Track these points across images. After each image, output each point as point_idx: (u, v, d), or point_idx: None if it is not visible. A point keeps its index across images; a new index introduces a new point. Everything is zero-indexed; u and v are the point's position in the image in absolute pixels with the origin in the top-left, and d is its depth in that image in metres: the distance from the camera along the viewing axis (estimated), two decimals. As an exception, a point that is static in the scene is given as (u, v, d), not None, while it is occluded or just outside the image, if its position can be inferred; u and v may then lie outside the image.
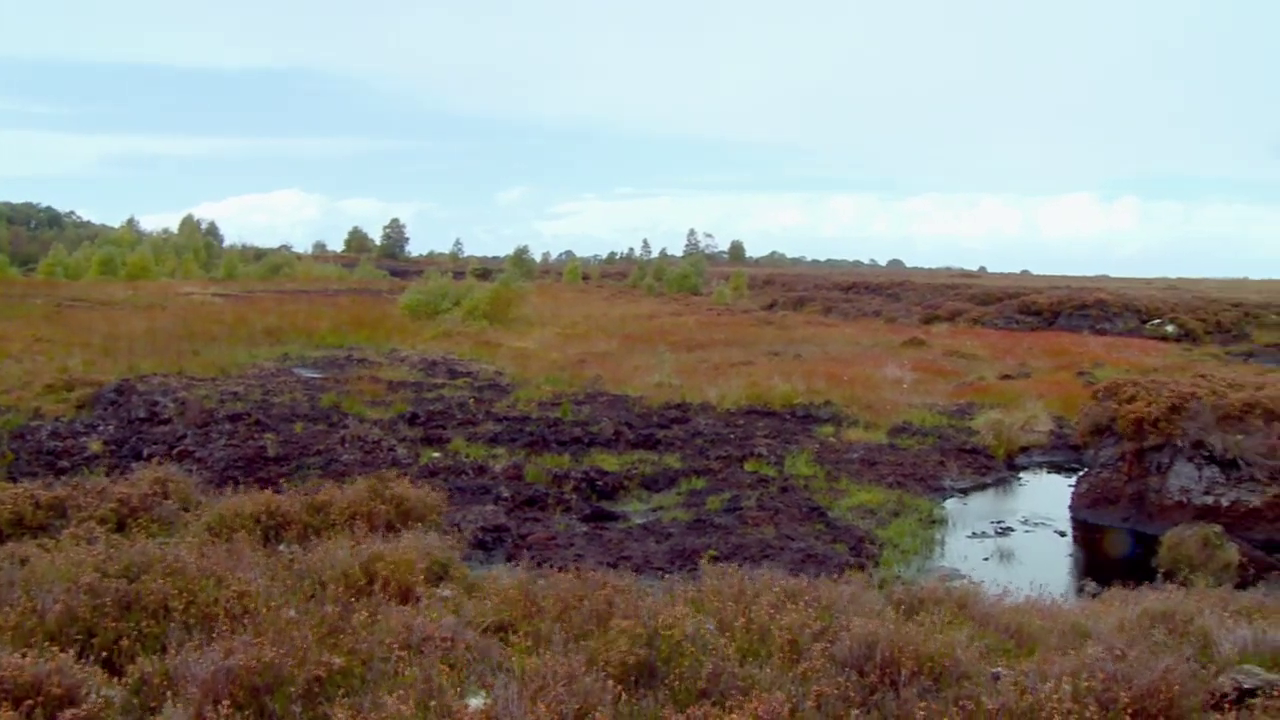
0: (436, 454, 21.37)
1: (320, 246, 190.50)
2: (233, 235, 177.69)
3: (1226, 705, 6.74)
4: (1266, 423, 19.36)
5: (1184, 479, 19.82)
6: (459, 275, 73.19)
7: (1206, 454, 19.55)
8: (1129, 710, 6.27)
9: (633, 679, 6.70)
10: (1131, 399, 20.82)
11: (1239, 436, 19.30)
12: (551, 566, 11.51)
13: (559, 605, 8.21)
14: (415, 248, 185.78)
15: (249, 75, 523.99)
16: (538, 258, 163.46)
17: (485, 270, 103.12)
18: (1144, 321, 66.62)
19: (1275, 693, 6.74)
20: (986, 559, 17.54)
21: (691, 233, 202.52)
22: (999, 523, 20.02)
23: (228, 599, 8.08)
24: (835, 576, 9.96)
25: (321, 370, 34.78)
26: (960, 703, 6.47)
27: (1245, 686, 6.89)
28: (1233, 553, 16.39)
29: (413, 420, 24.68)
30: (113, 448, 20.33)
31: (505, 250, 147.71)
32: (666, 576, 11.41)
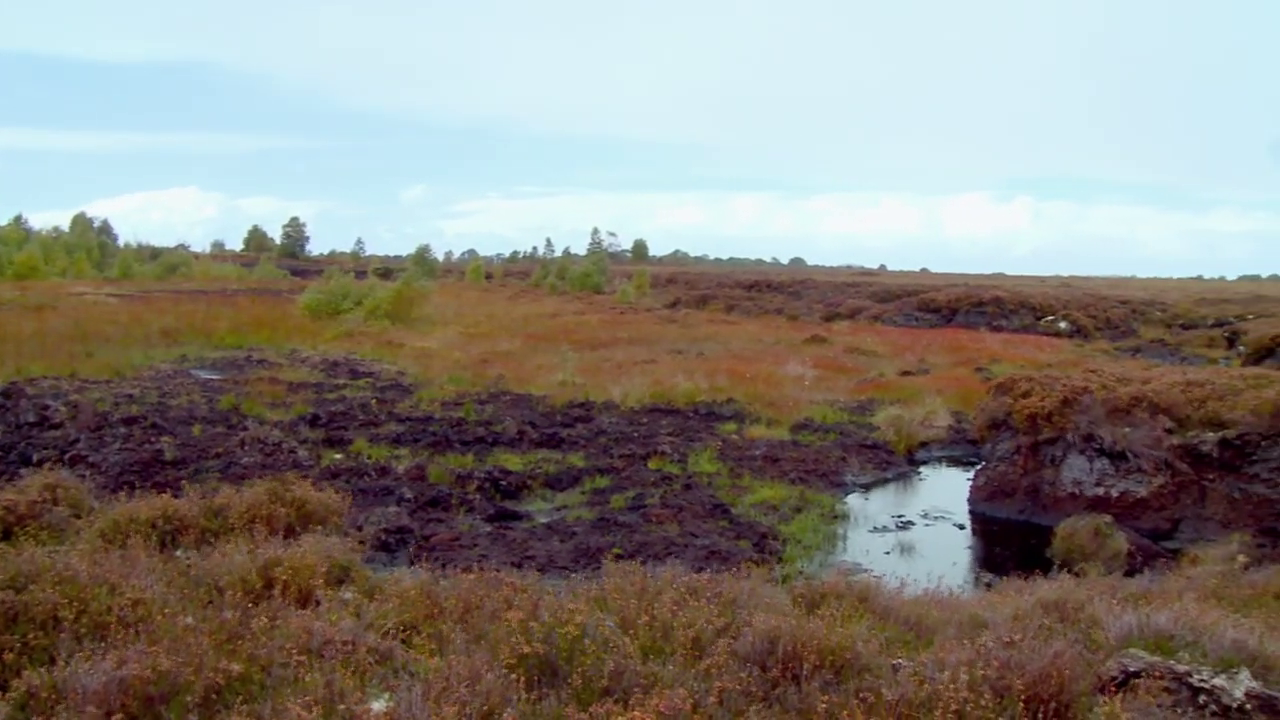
0: (338, 456, 21.13)
1: (219, 246, 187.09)
2: (127, 234, 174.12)
3: (1113, 688, 6.94)
4: (1152, 416, 19.93)
5: (1076, 471, 20.33)
6: (361, 274, 72.34)
7: (1097, 447, 20.07)
8: (1022, 696, 6.42)
9: (535, 678, 6.70)
10: (1026, 394, 21.30)
11: (1127, 429, 19.84)
12: (455, 567, 11.44)
13: (461, 606, 8.18)
14: (316, 247, 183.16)
15: (146, 69, 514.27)
16: (440, 257, 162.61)
17: (387, 269, 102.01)
18: (1038, 318, 68.17)
19: (1156, 674, 6.96)
20: (888, 553, 17.80)
21: (595, 231, 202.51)
22: (899, 517, 20.34)
23: (121, 607, 7.89)
24: (738, 572, 10.05)
25: (220, 371, 34.18)
26: (861, 695, 6.57)
27: (1130, 669, 7.10)
28: (1122, 541, 16.85)
29: (314, 422, 24.36)
30: (-1, 453, 19.78)
31: (408, 249, 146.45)
32: (570, 575, 11.43)
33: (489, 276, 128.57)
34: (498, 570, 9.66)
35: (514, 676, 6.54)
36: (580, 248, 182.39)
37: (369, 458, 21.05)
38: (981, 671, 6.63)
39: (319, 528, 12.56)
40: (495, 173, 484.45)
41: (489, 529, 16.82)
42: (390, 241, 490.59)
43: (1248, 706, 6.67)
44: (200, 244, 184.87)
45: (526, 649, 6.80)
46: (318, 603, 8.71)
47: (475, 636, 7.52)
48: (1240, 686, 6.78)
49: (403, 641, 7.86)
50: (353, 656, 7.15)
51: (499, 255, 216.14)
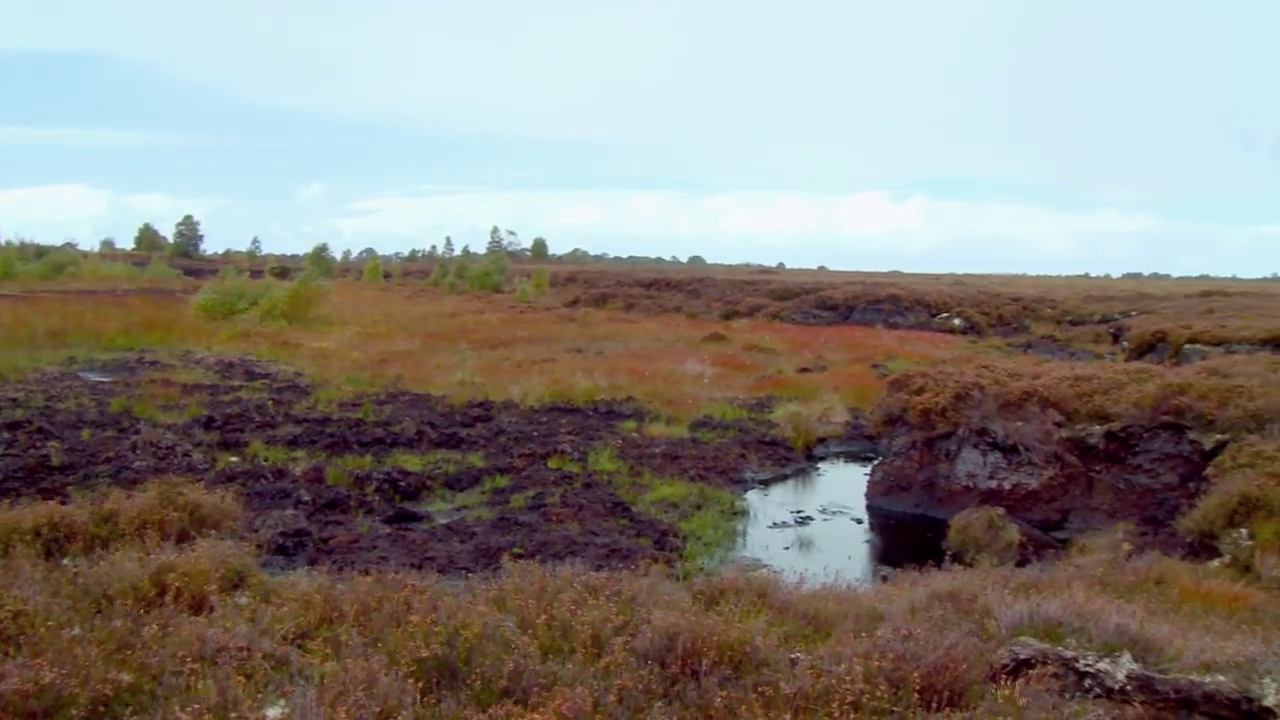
0: (234, 458, 20.74)
1: (108, 244, 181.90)
2: (9, 231, 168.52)
3: (1004, 676, 7.08)
4: (1042, 409, 20.39)
5: (970, 465, 20.72)
6: (256, 274, 71.17)
7: (990, 441, 20.48)
8: (917, 687, 6.54)
9: (434, 680, 6.64)
10: (921, 390, 21.66)
11: (1018, 423, 20.27)
12: (354, 570, 11.30)
13: (359, 609, 8.07)
14: (211, 246, 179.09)
15: (27, 58, 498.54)
16: (338, 256, 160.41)
17: (284, 269, 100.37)
18: (933, 315, 69.39)
19: (1045, 660, 7.13)
20: (787, 548, 17.98)
21: (494, 230, 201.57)
22: (798, 512, 20.55)
23: (1, 620, 7.66)
24: (638, 570, 10.06)
25: (110, 374, 33.31)
26: (759, 689, 6.62)
27: (1021, 657, 7.26)
28: (1014, 533, 17.21)
29: (209, 424, 23.87)
30: (-124, 461, 19.06)
31: (305, 248, 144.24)
32: (471, 576, 11.35)
33: (387, 276, 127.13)
34: (397, 572, 9.54)
35: (412, 679, 6.48)
36: (480, 247, 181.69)
37: (265, 460, 20.70)
38: (877, 663, 6.72)
39: (213, 532, 12.30)
40: (394, 171, 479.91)
41: (388, 530, 16.65)
42: (287, 240, 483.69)
43: (1129, 688, 6.87)
44: (88, 242, 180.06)
45: (425, 651, 6.74)
46: (212, 609, 8.53)
47: (373, 639, 7.43)
48: (1122, 669, 6.98)
49: (299, 646, 7.74)
50: (247, 663, 7.02)
51: (398, 254, 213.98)
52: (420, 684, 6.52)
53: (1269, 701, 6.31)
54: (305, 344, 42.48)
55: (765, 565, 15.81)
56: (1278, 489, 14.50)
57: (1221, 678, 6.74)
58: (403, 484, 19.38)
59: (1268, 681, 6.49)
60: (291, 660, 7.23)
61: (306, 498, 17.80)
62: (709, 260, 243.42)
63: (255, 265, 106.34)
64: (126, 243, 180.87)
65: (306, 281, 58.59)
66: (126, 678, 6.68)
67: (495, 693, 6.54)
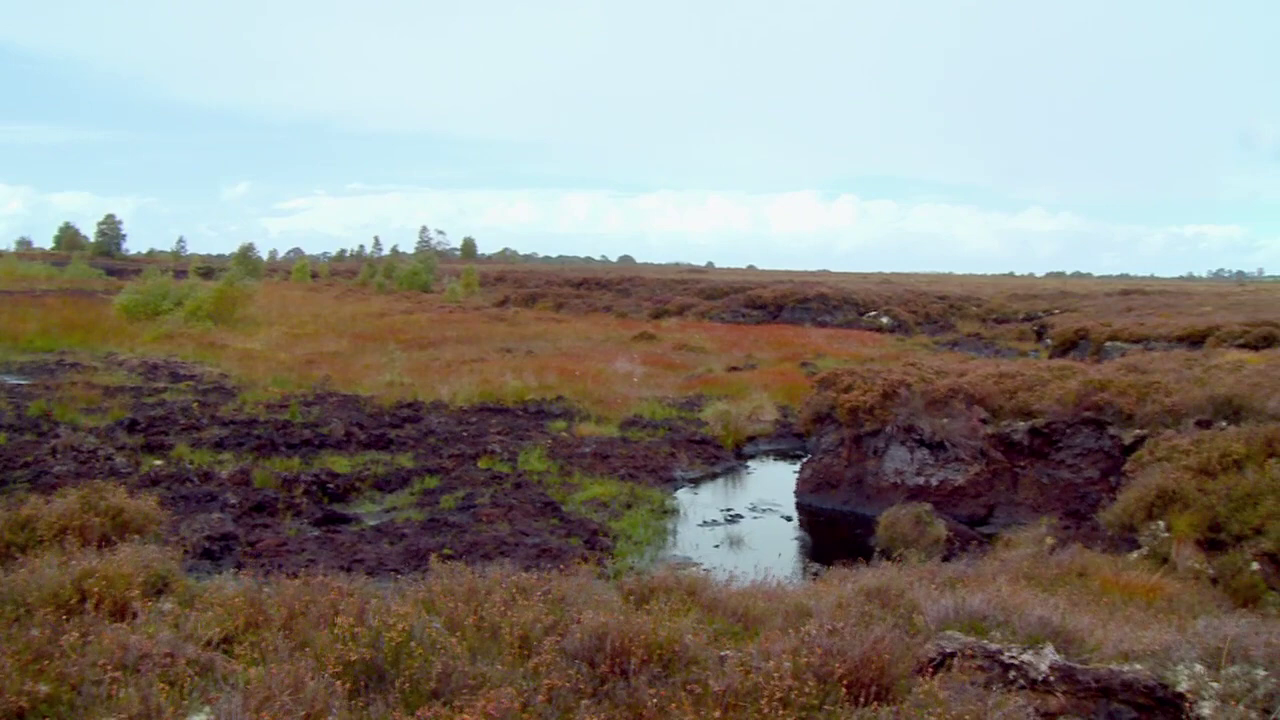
0: (158, 462, 20.44)
1: (25, 243, 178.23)
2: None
3: (930, 669, 7.18)
4: (968, 406, 20.68)
5: (898, 461, 20.95)
6: (181, 274, 70.03)
7: (917, 437, 20.72)
8: (844, 681, 6.59)
9: (361, 683, 6.59)
10: (849, 388, 21.86)
11: (945, 420, 20.53)
12: (282, 573, 11.18)
13: (285, 613, 7.98)
14: (134, 245, 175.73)
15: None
16: (265, 256, 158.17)
17: (209, 269, 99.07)
18: (861, 314, 70.02)
19: (970, 653, 7.24)
20: (717, 546, 18.06)
21: (424, 230, 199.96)
22: (728, 510, 20.66)
23: (-89, 632, 7.45)
24: (568, 570, 10.06)
25: (29, 376, 32.65)
26: (688, 686, 6.64)
27: (947, 650, 7.36)
28: (941, 528, 17.44)
29: (132, 427, 23.49)
30: None
31: (231, 248, 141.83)
32: (399, 578, 11.28)
33: (315, 276, 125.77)
34: (325, 575, 9.45)
35: (338, 683, 6.42)
36: (409, 246, 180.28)
37: (191, 463, 20.42)
38: (805, 659, 6.77)
39: (136, 537, 12.08)
40: (323, 170, 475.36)
41: (317, 533, 16.53)
42: (213, 240, 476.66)
43: (1051, 678, 6.99)
44: (4, 241, 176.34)
45: (352, 655, 6.68)
46: (134, 615, 8.38)
47: (300, 643, 7.35)
48: (1045, 660, 7.10)
49: (224, 652, 7.64)
50: (171, 669, 6.91)
51: (325, 254, 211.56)
52: (348, 687, 6.47)
53: (1182, 687, 6.47)
54: (231, 345, 41.95)
55: (695, 563, 15.89)
56: (1193, 482, 14.81)
57: (1139, 666, 6.88)
58: (331, 486, 19.23)
59: (1180, 668, 6.65)
60: (216, 666, 7.13)
61: (233, 501, 17.60)
62: (639, 260, 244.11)
63: (180, 265, 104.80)
64: (45, 242, 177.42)
65: (232, 281, 57.77)
66: (44, 688, 6.53)
67: (423, 695, 6.50)
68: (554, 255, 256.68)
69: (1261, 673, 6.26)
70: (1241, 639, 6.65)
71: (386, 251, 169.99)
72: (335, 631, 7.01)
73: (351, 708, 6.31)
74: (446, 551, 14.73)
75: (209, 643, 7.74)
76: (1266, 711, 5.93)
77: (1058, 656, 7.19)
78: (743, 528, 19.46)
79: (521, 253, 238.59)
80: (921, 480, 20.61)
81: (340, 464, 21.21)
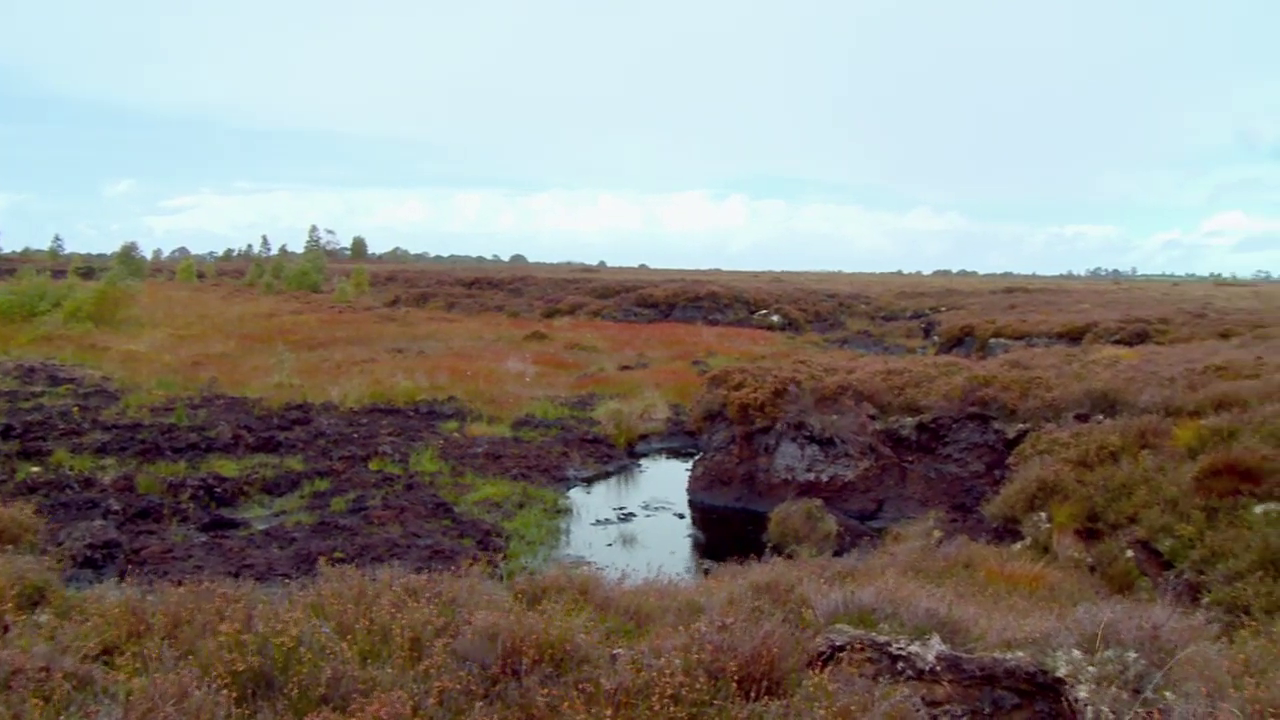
0: (36, 468, 19.82)
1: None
2: None
3: (820, 663, 7.27)
4: (857, 403, 20.99)
5: (789, 458, 21.19)
6: (59, 274, 68.10)
7: (807, 434, 20.98)
8: (735, 677, 6.64)
9: (249, 690, 6.47)
10: (739, 385, 22.05)
11: (835, 417, 20.82)
12: (168, 580, 10.93)
13: (170, 621, 7.80)
14: (8, 244, 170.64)
15: None
16: (149, 255, 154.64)
17: (89, 268, 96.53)
18: (752, 312, 70.66)
19: (860, 646, 7.35)
20: (610, 545, 18.11)
21: (313, 229, 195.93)
22: (621, 509, 20.72)
23: None
24: (459, 571, 10.00)
25: (-105, 382, 31.42)
26: (580, 686, 6.64)
27: (837, 644, 7.46)
28: (831, 523, 17.68)
29: (7, 433, 22.75)
30: None
31: (112, 247, 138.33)
32: (289, 582, 11.10)
33: (201, 276, 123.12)
34: (213, 581, 9.25)
35: (225, 691, 6.29)
36: (298, 246, 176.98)
37: (71, 469, 19.85)
38: (696, 656, 6.81)
39: (10, 547, 11.74)
40: (209, 167, 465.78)
41: (204, 538, 16.21)
42: (93, 239, 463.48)
43: (938, 668, 7.13)
44: None
45: (239, 662, 6.55)
46: (6, 629, 8.12)
47: (185, 652, 7.19)
48: (932, 651, 7.24)
49: (105, 663, 7.43)
50: (46, 684, 6.69)
51: (212, 254, 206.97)
52: (234, 695, 6.34)
53: (1061, 672, 6.65)
54: (114, 347, 40.84)
55: (589, 562, 15.90)
56: (1072, 474, 15.24)
57: (1021, 654, 7.05)
58: (219, 490, 18.87)
59: (1060, 654, 6.83)
60: (95, 679, 6.93)
61: (116, 507, 17.15)
62: (531, 259, 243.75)
63: (58, 265, 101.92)
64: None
65: (114, 282, 56.20)
66: (-96, 712, 6.29)
67: (313, 701, 6.41)
68: (445, 255, 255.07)
69: (1133, 655, 6.47)
70: (1115, 624, 6.85)
71: (275, 251, 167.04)
72: (221, 639, 6.87)
73: (239, 716, 6.19)
74: (338, 555, 14.54)
75: (88, 655, 7.52)
76: (1137, 691, 6.13)
77: (944, 647, 7.33)
78: (636, 526, 19.53)
79: (412, 252, 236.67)
80: (812, 476, 20.87)
81: (228, 468, 20.82)
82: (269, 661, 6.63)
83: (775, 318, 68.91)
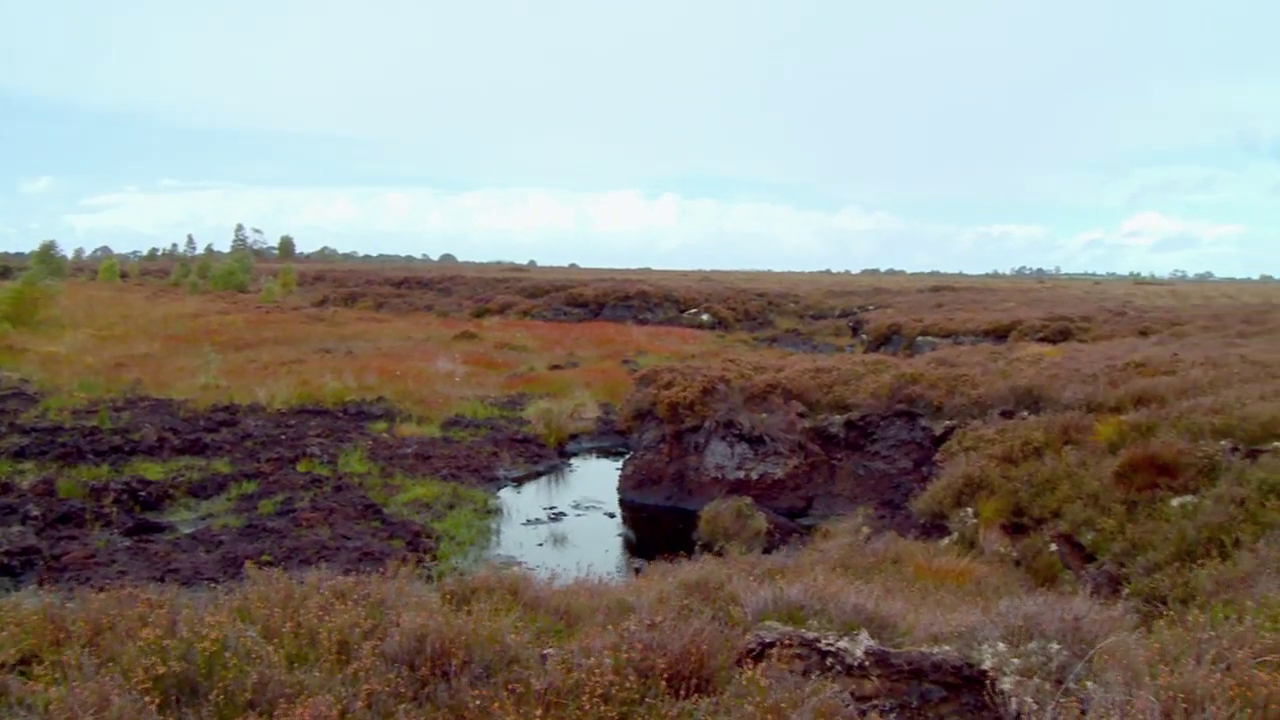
0: (-50, 474, 19.36)
1: None
2: None
3: (749, 660, 7.30)
4: (786, 401, 21.13)
5: (718, 456, 21.27)
6: (-27, 275, 66.60)
7: (737, 432, 21.07)
8: (664, 675, 6.65)
9: (173, 697, 6.36)
10: (669, 384, 22.10)
11: (764, 415, 20.93)
12: (90, 587, 10.74)
13: (90, 628, 7.65)
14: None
15: None
16: (69, 254, 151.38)
17: (6, 268, 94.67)
18: (682, 311, 70.86)
19: (789, 643, 7.40)
20: (541, 544, 18.07)
21: (239, 228, 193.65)
22: (552, 509, 20.69)
23: None
24: (387, 572, 9.92)
25: None
26: (510, 686, 6.61)
27: (766, 640, 7.50)
28: (761, 521, 17.78)
29: (-80, 438, 22.22)
30: None
31: (31, 246, 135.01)
32: (216, 586, 10.95)
33: (125, 275, 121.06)
34: (136, 587, 9.09)
35: (148, 698, 6.18)
36: (224, 245, 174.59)
37: (-13, 474, 19.40)
38: (626, 654, 6.82)
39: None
40: (133, 165, 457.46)
41: (128, 543, 15.96)
42: (11, 237, 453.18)
43: (867, 663, 7.20)
44: None
45: (161, 668, 6.44)
46: (-87, 641, 7.91)
47: (106, 659, 7.05)
48: (860, 646, 7.31)
49: (21, 673, 7.27)
50: (-42, 697, 6.54)
51: (136, 253, 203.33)
52: (157, 702, 6.23)
53: (986, 665, 6.74)
54: (33, 349, 39.98)
55: (519, 562, 15.87)
56: (998, 470, 15.47)
57: (947, 648, 7.14)
58: (143, 494, 18.57)
59: (985, 647, 6.93)
60: (12, 689, 6.77)
61: (35, 512, 16.80)
62: (461, 258, 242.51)
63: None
64: None
65: (33, 281, 55.02)
66: None
67: (239, 706, 6.32)
68: (374, 254, 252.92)
69: (1055, 646, 6.58)
70: (1039, 616, 6.96)
71: (201, 250, 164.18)
72: (143, 645, 6.75)
73: (161, 723, 6.09)
74: (265, 558, 14.37)
75: (4, 665, 7.36)
76: (1059, 682, 6.23)
77: (872, 642, 7.40)
78: (566, 526, 19.51)
79: (341, 252, 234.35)
80: (742, 474, 20.96)
81: (153, 471, 20.48)
82: (193, 667, 6.53)
83: (705, 317, 69.16)
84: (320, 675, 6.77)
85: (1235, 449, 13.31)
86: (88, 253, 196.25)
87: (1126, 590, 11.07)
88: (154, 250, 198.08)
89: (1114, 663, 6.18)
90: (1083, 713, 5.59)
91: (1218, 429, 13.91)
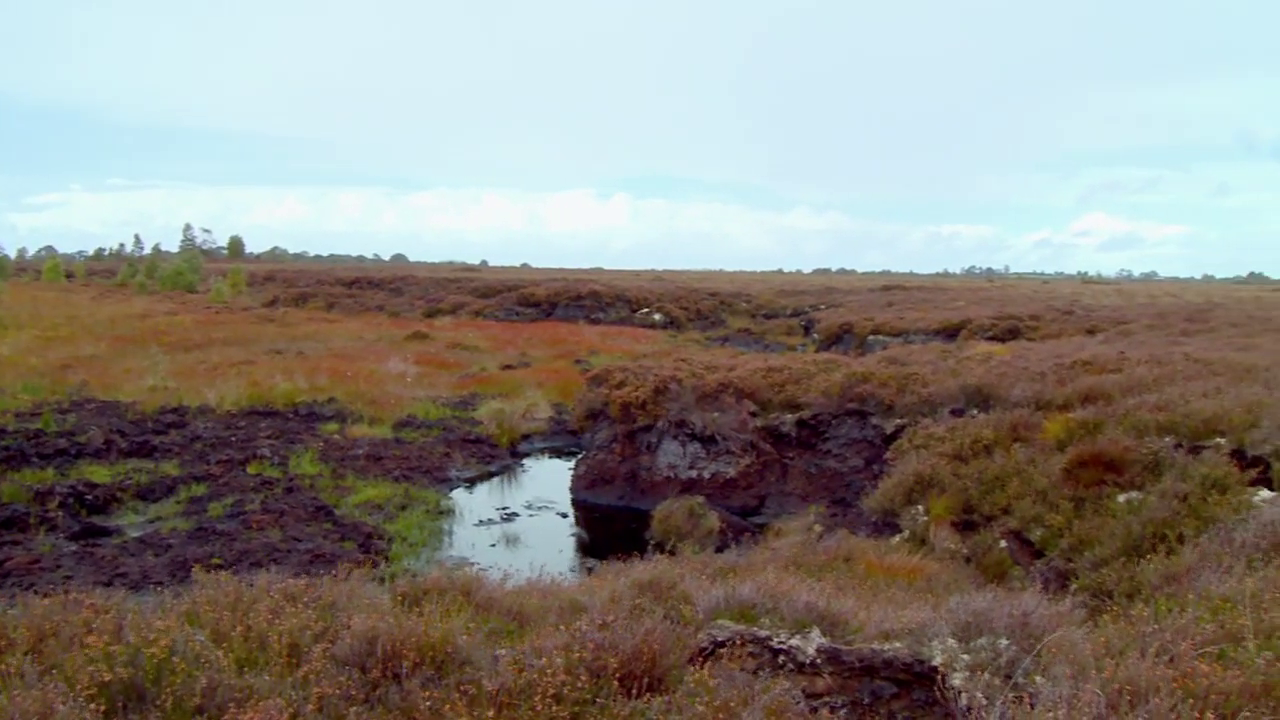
0: (-110, 478, 19.03)
1: None
2: None
3: (701, 659, 7.32)
4: (738, 400, 21.19)
5: (671, 456, 21.30)
6: (-87, 276, 65.54)
7: (689, 432, 21.11)
8: (617, 675, 6.66)
9: (119, 704, 6.29)
10: (621, 384, 22.11)
11: (716, 414, 20.98)
12: (33, 593, 10.59)
13: (33, 635, 7.54)
14: None
15: None
16: (12, 254, 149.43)
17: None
18: (634, 310, 70.88)
19: (741, 641, 7.43)
20: (494, 545, 18.03)
21: (188, 227, 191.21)
22: (505, 509, 20.64)
23: None
24: (338, 574, 9.86)
25: None
26: (462, 687, 6.59)
27: (719, 639, 7.53)
28: (714, 520, 17.83)
29: None
30: None
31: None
32: (164, 591, 10.83)
33: (70, 275, 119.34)
34: (82, 592, 8.97)
35: (93, 705, 6.10)
36: (172, 245, 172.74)
37: (-73, 478, 19.09)
38: (578, 654, 6.82)
39: None
40: (78, 163, 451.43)
41: (74, 548, 15.76)
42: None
43: (818, 660, 7.25)
44: None
45: (107, 675, 6.36)
46: None
47: (49, 667, 6.96)
48: (812, 644, 7.35)
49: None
50: (-104, 708, 6.42)
51: (82, 253, 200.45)
52: (103, 709, 6.15)
53: (936, 661, 6.80)
54: (-26, 350, 39.39)
55: (471, 563, 15.82)
56: (948, 468, 15.60)
57: (898, 644, 7.20)
58: (90, 497, 18.33)
59: (935, 644, 6.99)
60: (-49, 700, 6.67)
61: (-22, 517, 16.57)
62: (413, 258, 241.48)
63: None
64: None
65: (-26, 283, 54.24)
66: None
67: (187, 712, 6.26)
68: (325, 254, 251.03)
69: (1004, 642, 6.65)
70: (988, 612, 7.03)
71: (148, 250, 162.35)
72: (88, 651, 6.66)
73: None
74: (215, 561, 14.25)
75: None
76: (1008, 677, 6.30)
77: (824, 639, 7.44)
78: (519, 526, 19.48)
79: (291, 251, 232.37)
80: (694, 473, 21.01)
81: (100, 474, 20.23)
82: (140, 673, 6.45)
83: (657, 316, 69.22)
84: (270, 679, 6.72)
85: (1179, 445, 13.53)
86: (31, 252, 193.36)
87: (1074, 585, 11.19)
88: (100, 250, 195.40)
89: (1061, 657, 6.26)
90: (1031, 707, 5.65)
91: (1162, 426, 14.13)
